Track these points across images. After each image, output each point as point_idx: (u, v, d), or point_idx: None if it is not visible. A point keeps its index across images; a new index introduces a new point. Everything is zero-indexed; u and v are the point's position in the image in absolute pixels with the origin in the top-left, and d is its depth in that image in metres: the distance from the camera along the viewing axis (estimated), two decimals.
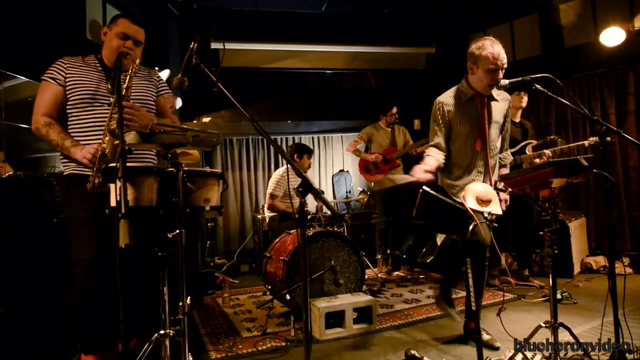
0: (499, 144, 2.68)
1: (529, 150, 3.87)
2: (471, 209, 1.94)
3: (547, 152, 3.78)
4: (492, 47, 2.39)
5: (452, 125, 2.59)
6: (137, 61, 2.22)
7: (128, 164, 1.46)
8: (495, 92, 2.60)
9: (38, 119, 2.10)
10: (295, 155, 4.40)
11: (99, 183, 1.88)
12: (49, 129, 2.07)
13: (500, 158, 2.74)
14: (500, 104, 2.63)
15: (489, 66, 2.38)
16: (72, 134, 2.14)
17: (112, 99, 1.99)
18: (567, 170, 1.88)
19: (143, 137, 1.56)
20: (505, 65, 2.43)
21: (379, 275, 4.58)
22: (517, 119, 4.00)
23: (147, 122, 2.11)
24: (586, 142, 3.58)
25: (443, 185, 2.63)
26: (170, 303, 1.75)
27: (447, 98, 2.61)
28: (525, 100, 3.99)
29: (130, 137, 1.56)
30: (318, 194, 1.58)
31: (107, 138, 1.94)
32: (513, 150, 3.57)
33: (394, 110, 4.89)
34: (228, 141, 6.27)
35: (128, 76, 2.03)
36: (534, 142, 3.89)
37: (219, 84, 1.74)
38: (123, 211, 1.37)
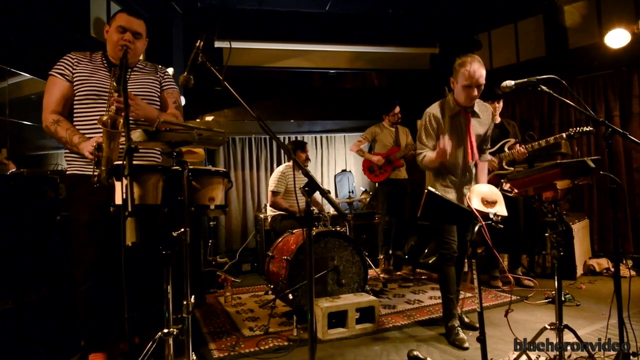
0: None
1: (506, 149, 3.95)
2: (476, 209, 1.93)
3: (520, 147, 3.82)
4: (470, 65, 2.53)
5: (440, 136, 2.69)
6: (141, 57, 2.19)
7: (133, 162, 1.46)
8: (477, 107, 2.75)
9: (47, 116, 2.08)
10: None
11: (101, 177, 1.83)
12: (57, 126, 2.05)
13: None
14: (483, 119, 2.80)
15: (464, 82, 2.55)
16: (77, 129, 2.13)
17: (113, 95, 1.97)
18: (575, 172, 1.87)
19: (149, 134, 1.56)
20: (481, 83, 2.56)
21: (381, 275, 4.57)
22: (497, 121, 4.05)
23: (145, 112, 2.10)
24: (564, 134, 3.59)
25: (436, 188, 2.77)
26: (173, 301, 1.74)
27: (436, 110, 2.75)
28: (499, 108, 4.03)
29: (137, 135, 1.55)
30: (325, 193, 1.57)
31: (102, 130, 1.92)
32: (492, 150, 3.60)
33: (397, 110, 4.89)
34: (231, 140, 6.26)
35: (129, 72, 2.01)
36: (512, 140, 3.94)
37: (225, 83, 1.73)
38: (130, 209, 1.36)
